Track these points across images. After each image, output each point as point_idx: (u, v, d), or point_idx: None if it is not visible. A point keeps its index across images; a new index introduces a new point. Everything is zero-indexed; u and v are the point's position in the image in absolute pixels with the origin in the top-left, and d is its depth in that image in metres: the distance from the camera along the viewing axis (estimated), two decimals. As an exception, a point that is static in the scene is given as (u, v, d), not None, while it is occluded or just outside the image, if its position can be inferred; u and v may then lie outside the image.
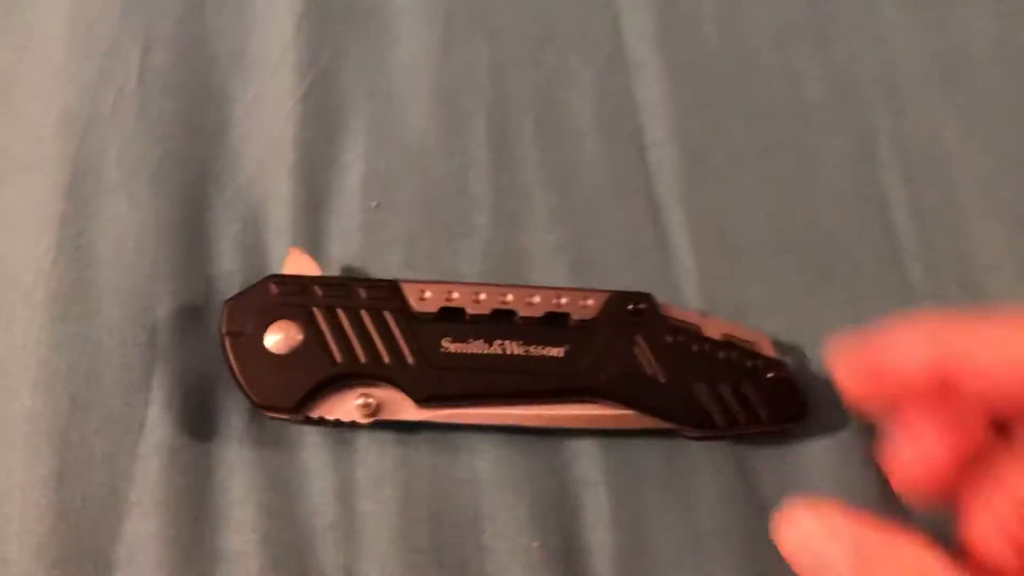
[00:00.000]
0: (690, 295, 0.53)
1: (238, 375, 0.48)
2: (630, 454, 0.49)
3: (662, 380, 0.48)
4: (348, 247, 0.53)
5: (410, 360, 0.48)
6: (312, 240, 0.53)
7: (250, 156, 0.54)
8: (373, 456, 0.49)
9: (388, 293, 0.49)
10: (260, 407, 0.48)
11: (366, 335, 0.48)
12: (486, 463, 0.49)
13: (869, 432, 0.48)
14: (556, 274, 0.53)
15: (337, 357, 0.48)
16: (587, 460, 0.49)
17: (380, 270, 0.53)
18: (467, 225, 0.54)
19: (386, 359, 0.48)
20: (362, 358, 0.48)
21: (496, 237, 0.53)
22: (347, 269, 0.53)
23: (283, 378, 0.48)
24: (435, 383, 0.48)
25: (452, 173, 0.55)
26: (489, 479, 0.48)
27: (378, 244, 0.53)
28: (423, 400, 0.48)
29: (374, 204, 0.54)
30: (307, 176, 0.54)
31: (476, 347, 0.48)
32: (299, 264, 0.51)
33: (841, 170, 0.55)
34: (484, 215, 0.54)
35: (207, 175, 0.54)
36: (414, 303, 0.49)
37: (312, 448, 0.49)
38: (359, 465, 0.49)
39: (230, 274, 0.52)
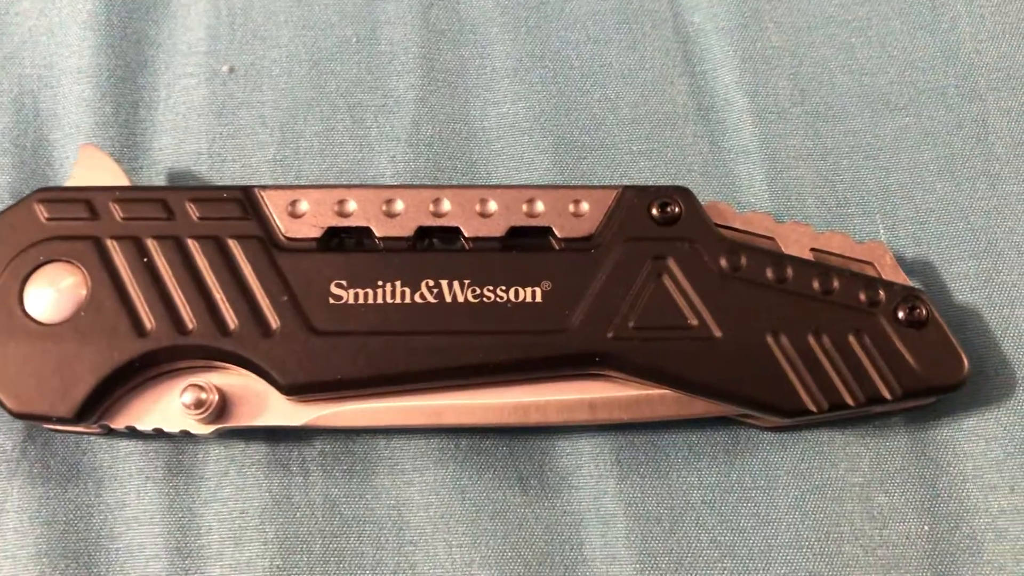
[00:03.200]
0: (753, 187, 0.38)
1: None
2: (662, 462, 0.35)
3: (715, 334, 0.33)
4: (184, 139, 0.39)
5: (274, 323, 0.33)
6: (127, 132, 0.39)
7: (26, 4, 0.41)
8: (229, 489, 0.34)
9: (237, 208, 0.34)
10: (19, 416, 0.33)
11: (197, 283, 0.33)
12: (420, 493, 0.34)
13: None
14: (527, 166, 0.39)
15: (147, 323, 0.33)
16: (590, 478, 0.35)
17: (237, 175, 0.38)
18: (383, 92, 0.40)
19: (231, 324, 0.33)
20: (190, 324, 0.33)
21: (431, 110, 0.40)
22: (181, 176, 0.39)
23: (56, 365, 0.33)
24: (318, 360, 0.33)
25: (354, 7, 0.41)
26: (425, 521, 0.34)
27: (233, 132, 0.39)
28: (298, 390, 0.33)
29: (226, 68, 0.40)
30: (116, 30, 0.40)
31: (390, 295, 0.33)
32: (93, 170, 0.35)
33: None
34: (411, 74, 0.40)
35: None
36: (281, 223, 0.34)
37: (129, 480, 0.35)
38: (207, 505, 0.34)
39: None
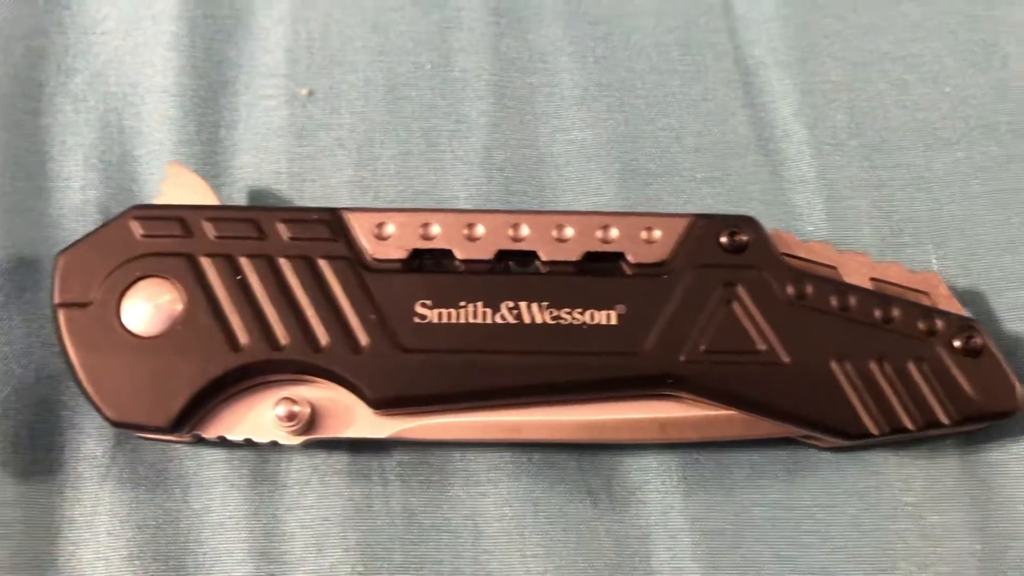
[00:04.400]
0: (811, 216, 0.40)
1: (80, 373, 0.34)
2: (726, 479, 0.36)
3: (782, 359, 0.34)
4: (264, 159, 0.40)
5: (363, 340, 0.34)
6: (208, 151, 0.40)
7: (112, 24, 0.42)
8: (311, 497, 0.36)
9: (326, 230, 0.35)
10: (118, 425, 0.34)
11: (289, 301, 0.34)
12: (495, 504, 0.36)
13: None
14: (594, 191, 0.40)
15: (241, 338, 0.34)
16: (658, 494, 0.36)
17: (316, 195, 0.39)
18: (456, 117, 0.41)
19: (323, 340, 0.34)
20: (283, 339, 0.34)
21: (502, 135, 0.41)
22: (261, 195, 0.40)
23: (153, 377, 0.34)
24: (405, 376, 0.34)
25: (429, 35, 0.42)
26: (500, 531, 0.35)
27: (312, 153, 0.40)
28: (386, 404, 0.34)
29: (305, 91, 0.41)
30: (199, 51, 0.41)
31: (472, 315, 0.34)
32: (182, 188, 0.36)
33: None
34: (482, 101, 0.41)
35: (42, 55, 0.42)
36: (368, 245, 0.35)
37: (214, 486, 0.36)
38: (290, 512, 0.35)
39: (80, 210, 0.39)
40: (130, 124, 0.40)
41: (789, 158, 0.39)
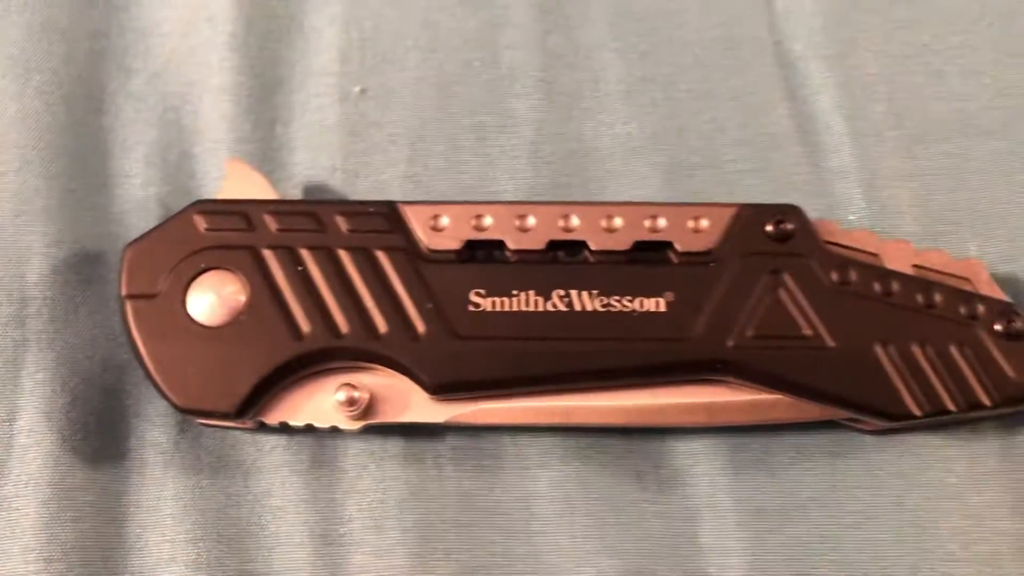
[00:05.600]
0: (852, 205, 0.40)
1: (148, 362, 0.35)
2: (771, 461, 0.37)
3: (827, 343, 0.35)
4: (319, 155, 0.41)
5: (420, 328, 0.35)
6: (264, 148, 0.41)
7: (169, 26, 0.43)
8: (368, 481, 0.36)
9: (383, 222, 0.36)
10: (185, 411, 0.35)
11: (348, 290, 0.35)
12: (547, 487, 0.36)
13: None
14: (640, 183, 0.40)
15: (303, 327, 0.35)
16: (704, 475, 0.37)
17: (369, 189, 0.40)
18: (504, 113, 0.42)
19: (381, 328, 0.35)
20: (343, 328, 0.35)
21: (549, 129, 0.41)
22: (317, 190, 0.40)
23: (219, 364, 0.35)
24: (461, 363, 0.35)
25: (477, 33, 0.43)
26: (552, 513, 0.36)
27: (365, 149, 0.41)
28: (442, 389, 0.35)
29: (358, 89, 0.42)
30: (254, 51, 0.42)
31: (524, 303, 0.35)
32: (242, 183, 0.37)
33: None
34: (530, 97, 0.42)
35: (104, 56, 0.42)
36: (423, 236, 0.36)
37: (274, 471, 0.37)
38: (348, 496, 0.36)
39: (142, 206, 0.40)
40: (188, 122, 0.40)
41: (829, 149, 0.40)
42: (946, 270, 0.36)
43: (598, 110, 0.41)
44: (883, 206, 0.39)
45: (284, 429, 0.35)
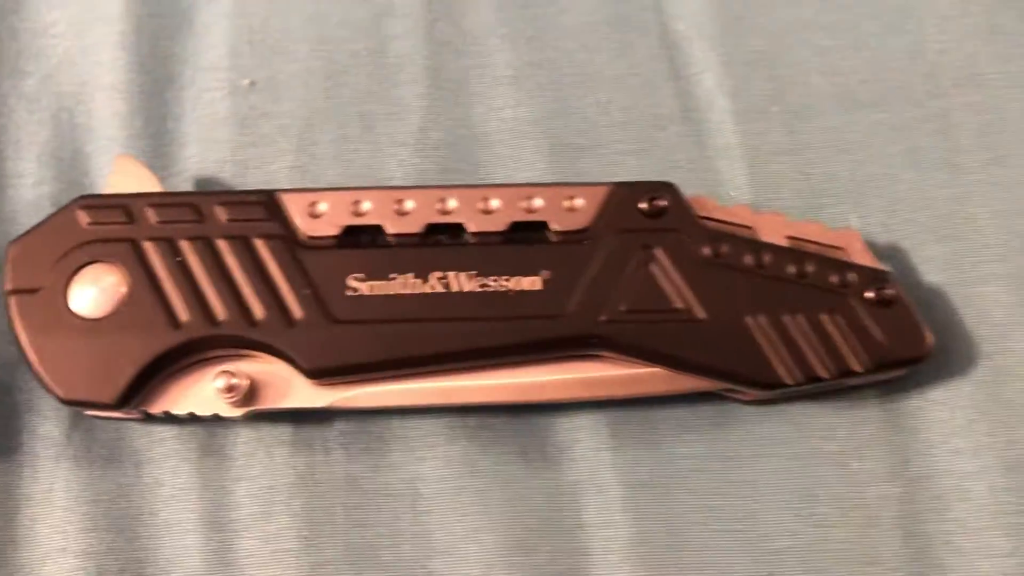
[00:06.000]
0: (735, 181, 0.40)
1: (31, 356, 0.35)
2: (653, 434, 0.37)
3: (698, 316, 0.35)
4: (209, 149, 0.41)
5: (297, 314, 0.35)
6: (156, 143, 0.41)
7: (62, 27, 0.43)
8: (257, 468, 0.37)
9: (261, 211, 0.36)
10: (68, 403, 0.35)
11: (226, 278, 0.35)
12: (433, 467, 0.37)
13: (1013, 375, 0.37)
14: (527, 166, 0.41)
15: (181, 316, 0.35)
16: (588, 451, 0.37)
17: (259, 181, 0.40)
18: (391, 101, 0.42)
19: (259, 315, 0.35)
20: (220, 315, 0.35)
21: (437, 116, 0.42)
22: (207, 183, 0.40)
23: (100, 356, 0.35)
24: (338, 347, 0.35)
25: (365, 23, 0.43)
26: (438, 493, 0.36)
27: (254, 141, 0.41)
28: (321, 374, 0.35)
29: (247, 82, 0.42)
30: (145, 49, 0.42)
31: (402, 286, 0.35)
32: (127, 178, 0.38)
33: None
34: (417, 84, 0.42)
35: None
36: (301, 223, 0.36)
37: (165, 461, 0.37)
38: (238, 483, 0.37)
39: (34, 205, 0.40)
40: (82, 121, 0.41)
41: (713, 127, 0.40)
42: (821, 240, 0.36)
43: (486, 95, 0.41)
44: (766, 182, 0.40)
45: (169, 419, 0.36)
